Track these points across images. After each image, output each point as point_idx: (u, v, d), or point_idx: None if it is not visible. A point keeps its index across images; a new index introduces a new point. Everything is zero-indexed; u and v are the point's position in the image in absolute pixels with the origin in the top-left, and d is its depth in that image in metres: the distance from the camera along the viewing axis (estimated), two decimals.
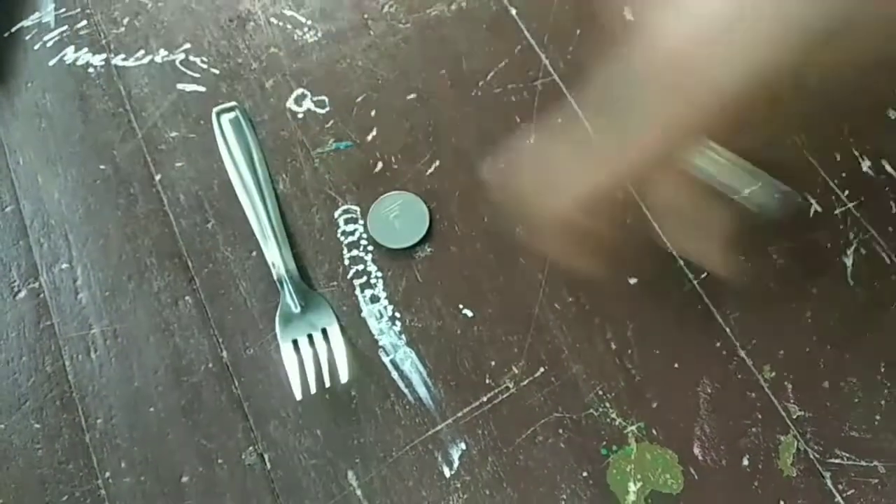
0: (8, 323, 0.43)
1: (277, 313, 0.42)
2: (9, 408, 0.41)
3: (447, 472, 0.39)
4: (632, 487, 0.38)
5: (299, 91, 0.48)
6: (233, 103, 0.47)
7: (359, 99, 0.48)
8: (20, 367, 0.42)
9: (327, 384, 0.39)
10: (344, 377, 0.39)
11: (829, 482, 0.38)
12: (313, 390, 0.39)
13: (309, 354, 0.40)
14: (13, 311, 0.43)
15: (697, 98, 0.28)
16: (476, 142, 0.46)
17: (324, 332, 0.41)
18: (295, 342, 0.41)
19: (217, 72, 0.49)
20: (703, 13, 0.28)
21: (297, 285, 0.42)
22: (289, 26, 0.51)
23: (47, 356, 0.42)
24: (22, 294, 0.43)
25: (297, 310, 0.42)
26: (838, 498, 0.37)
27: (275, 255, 0.43)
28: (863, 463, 0.38)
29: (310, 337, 0.41)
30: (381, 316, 0.42)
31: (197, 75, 0.49)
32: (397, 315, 0.42)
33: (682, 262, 0.43)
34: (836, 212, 0.44)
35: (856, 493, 0.37)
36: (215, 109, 0.47)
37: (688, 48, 0.28)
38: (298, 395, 0.39)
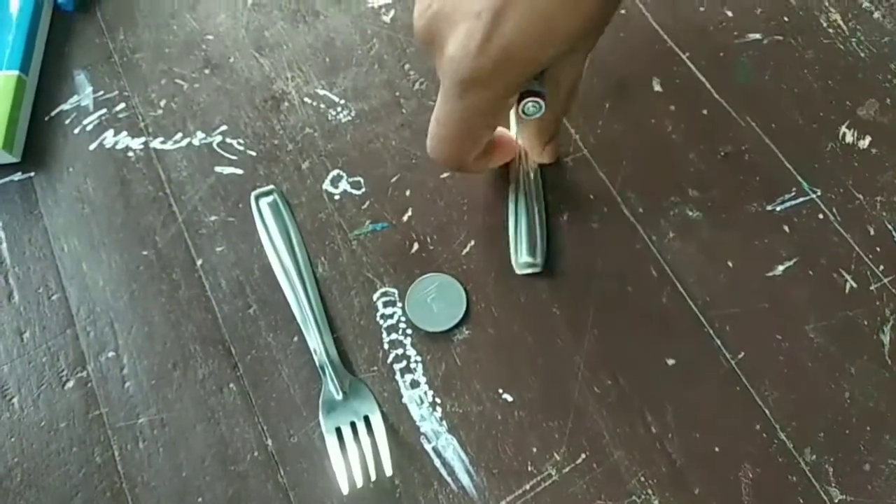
0: (58, 413, 0.44)
1: (320, 400, 0.42)
2: (61, 500, 0.42)
3: None
4: None
5: (335, 172, 0.49)
6: (271, 186, 0.48)
7: (393, 179, 0.49)
8: (71, 457, 0.43)
9: (373, 477, 0.40)
10: (388, 470, 0.40)
11: None
12: (359, 484, 0.40)
13: (353, 446, 0.41)
14: (62, 401, 0.44)
15: None
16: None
17: (366, 419, 0.42)
18: (338, 430, 0.42)
19: (254, 154, 0.50)
20: None
21: (339, 371, 0.43)
22: (322, 106, 0.51)
23: (97, 447, 0.43)
24: (70, 384, 0.44)
25: (339, 397, 0.42)
26: None
27: (316, 342, 0.43)
28: None
29: (352, 424, 0.42)
30: (422, 402, 0.43)
31: (234, 157, 0.50)
32: (437, 400, 0.43)
33: (718, 342, 0.43)
34: (872, 287, 0.44)
35: None
36: (254, 193, 0.48)
37: None
38: (345, 490, 0.40)
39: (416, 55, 0.53)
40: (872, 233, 0.45)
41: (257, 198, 0.48)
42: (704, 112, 0.50)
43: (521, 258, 0.45)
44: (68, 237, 0.48)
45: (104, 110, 0.52)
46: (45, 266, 0.48)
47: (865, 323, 0.43)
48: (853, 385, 0.42)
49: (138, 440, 0.43)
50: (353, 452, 0.41)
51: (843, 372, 0.42)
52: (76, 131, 0.52)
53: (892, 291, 0.44)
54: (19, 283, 0.47)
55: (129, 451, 0.43)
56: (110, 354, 0.45)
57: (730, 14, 0.54)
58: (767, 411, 0.41)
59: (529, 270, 0.45)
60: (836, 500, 0.39)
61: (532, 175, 0.47)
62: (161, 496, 0.42)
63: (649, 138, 0.49)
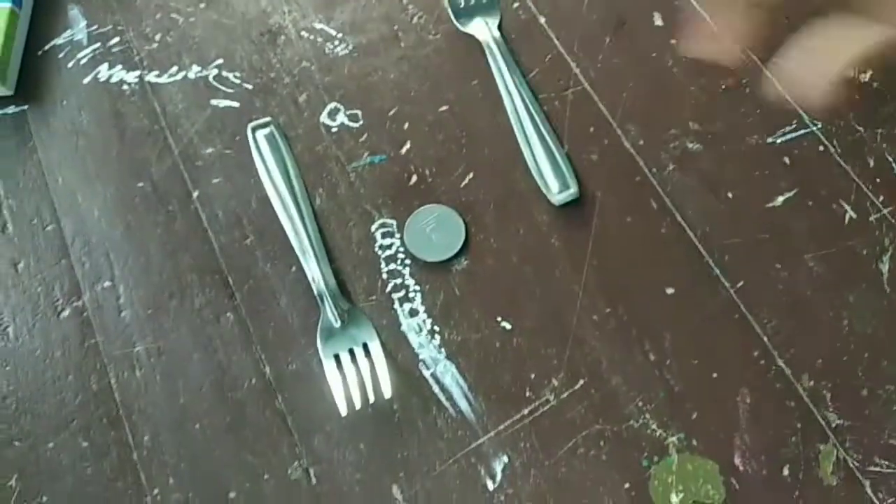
0: (53, 342, 0.43)
1: (318, 328, 0.42)
2: (57, 426, 0.42)
3: (490, 486, 0.39)
4: (674, 499, 0.38)
5: (332, 105, 0.49)
6: (267, 119, 0.48)
7: (391, 112, 0.48)
8: (66, 385, 0.42)
9: (371, 400, 0.40)
10: (387, 393, 0.40)
11: (868, 490, 0.38)
12: (358, 406, 0.40)
13: (351, 370, 0.41)
14: (57, 330, 0.44)
15: None
16: (509, 153, 0.47)
17: (364, 346, 0.42)
18: (337, 357, 0.41)
19: (250, 87, 0.49)
20: None
21: (337, 300, 0.43)
22: (319, 39, 0.51)
23: (93, 375, 0.43)
24: (66, 313, 0.44)
25: (337, 324, 0.42)
26: None
27: (314, 271, 0.43)
28: None
29: (351, 352, 0.42)
30: (421, 329, 0.43)
31: (230, 91, 0.49)
32: (436, 328, 0.43)
33: (717, 271, 0.43)
34: (871, 218, 0.44)
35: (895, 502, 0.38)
36: (250, 125, 0.47)
37: None
38: (343, 412, 0.39)
39: None
40: (872, 164, 0.45)
41: (254, 129, 0.47)
42: None
43: (556, 189, 0.44)
44: (62, 170, 0.48)
45: (98, 44, 0.52)
46: (39, 198, 0.47)
47: (864, 252, 0.43)
48: (851, 313, 0.42)
49: (135, 368, 0.43)
50: (351, 377, 0.41)
51: (842, 300, 0.42)
52: (70, 65, 0.51)
53: (892, 221, 0.43)
54: (13, 214, 0.47)
55: (125, 378, 0.42)
56: (106, 284, 0.45)
57: None
58: (766, 338, 0.41)
59: (568, 198, 0.44)
60: (834, 425, 0.39)
61: (530, 106, 0.47)
62: (158, 423, 0.41)
63: (650, 72, 0.49)
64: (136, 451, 0.41)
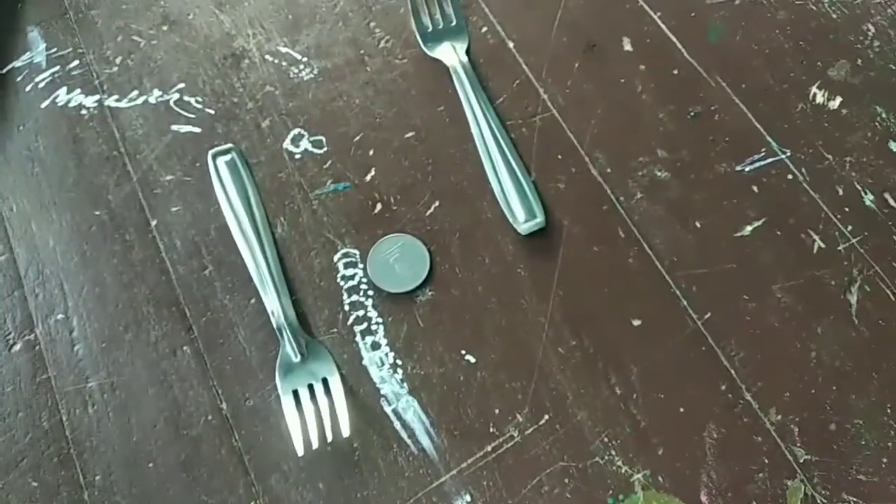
0: (3, 377, 0.42)
1: (277, 363, 0.41)
2: (6, 466, 0.40)
3: None
4: None
5: (296, 131, 0.48)
6: (229, 145, 0.47)
7: (356, 138, 0.47)
8: (17, 422, 0.41)
9: (329, 439, 0.39)
10: (346, 431, 0.39)
11: None
12: (315, 445, 0.39)
13: (310, 407, 0.40)
14: (8, 364, 0.42)
15: None
16: (475, 180, 0.46)
17: (324, 381, 0.41)
18: (296, 393, 0.40)
19: (212, 112, 0.48)
20: None
21: (297, 333, 0.42)
22: (284, 63, 0.50)
23: (44, 411, 0.41)
24: (17, 346, 0.43)
25: (297, 359, 0.41)
26: None
27: (274, 303, 0.42)
28: None
29: (310, 387, 0.40)
30: (383, 364, 0.42)
31: (192, 116, 0.48)
32: (399, 362, 0.42)
33: (685, 302, 0.42)
34: (840, 247, 0.43)
35: None
36: (211, 152, 0.46)
37: None
38: (301, 452, 0.38)
39: (381, 12, 0.52)
40: (841, 193, 0.45)
41: (214, 156, 0.46)
42: (675, 72, 0.49)
43: (523, 219, 0.44)
44: (17, 197, 0.47)
45: (57, 67, 0.51)
46: None
47: (833, 283, 0.42)
48: (819, 345, 0.41)
49: (87, 404, 0.41)
50: (310, 415, 0.39)
51: (810, 332, 0.41)
52: (28, 89, 0.50)
53: (860, 251, 0.43)
54: None
55: (77, 415, 0.41)
56: (59, 317, 0.43)
57: None
58: (733, 371, 0.41)
59: (535, 227, 0.44)
60: (802, 460, 0.39)
61: (497, 133, 0.46)
62: (111, 461, 0.40)
63: (619, 98, 0.48)
64: (87, 490, 0.40)
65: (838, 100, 0.47)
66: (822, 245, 0.43)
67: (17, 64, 0.51)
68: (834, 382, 0.40)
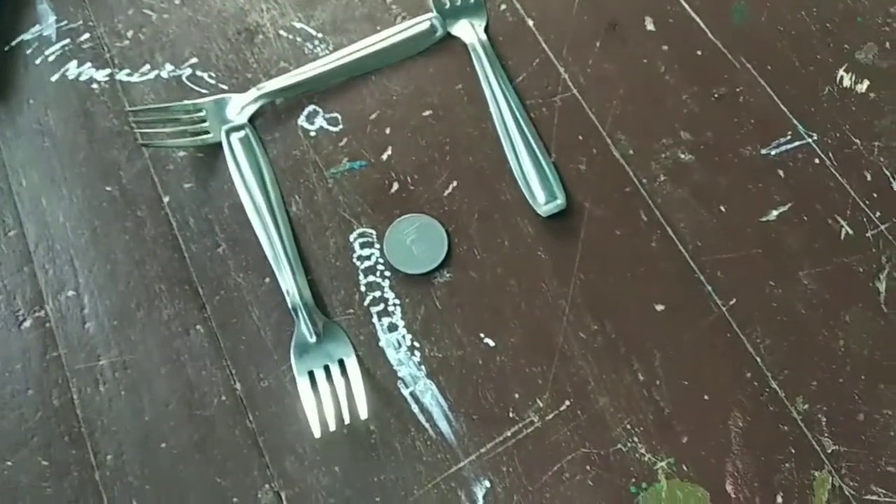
0: (13, 354, 0.41)
1: (292, 343, 0.40)
2: (15, 444, 0.39)
3: None
4: None
5: (311, 108, 0.47)
6: (243, 121, 0.46)
7: (372, 116, 0.46)
8: (26, 400, 0.40)
9: (346, 421, 0.38)
10: (363, 414, 0.38)
11: None
12: (332, 428, 0.38)
13: (326, 389, 0.39)
14: (18, 341, 0.41)
15: None
16: (494, 161, 0.45)
17: (340, 363, 0.40)
18: (311, 374, 0.39)
19: (225, 87, 0.47)
20: None
21: (313, 313, 0.41)
22: (299, 39, 0.49)
23: (54, 389, 0.40)
24: (27, 323, 0.42)
25: (312, 339, 0.40)
26: None
27: (289, 283, 0.41)
28: None
29: (326, 368, 0.40)
30: (400, 346, 0.41)
31: (205, 91, 0.47)
32: (416, 344, 0.41)
33: (709, 288, 0.41)
34: (868, 234, 0.42)
35: None
36: (224, 128, 0.45)
37: None
38: (317, 434, 0.38)
39: None
40: (869, 178, 0.44)
41: (228, 133, 0.45)
42: (699, 53, 0.48)
43: (543, 200, 0.43)
44: (27, 171, 0.46)
45: (68, 40, 0.49)
46: (1, 201, 0.45)
47: (861, 270, 0.41)
48: (847, 333, 0.40)
49: (98, 383, 0.40)
50: (326, 396, 0.39)
51: (838, 320, 0.40)
52: (38, 62, 0.49)
53: (889, 238, 0.42)
54: None
55: (88, 394, 0.40)
56: (70, 293, 0.42)
57: None
58: (759, 359, 0.40)
59: (555, 209, 0.43)
60: (829, 451, 0.38)
61: (517, 112, 0.45)
62: (122, 441, 0.39)
63: (641, 79, 0.47)
64: (99, 470, 0.39)
65: (866, 83, 0.46)
66: (850, 231, 0.42)
67: (26, 37, 0.50)
68: (862, 372, 0.39)
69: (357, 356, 0.40)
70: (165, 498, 0.38)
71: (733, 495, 0.37)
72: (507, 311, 0.41)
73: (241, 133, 0.45)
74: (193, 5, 0.50)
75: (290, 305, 0.41)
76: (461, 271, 0.42)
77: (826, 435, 0.38)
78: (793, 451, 0.38)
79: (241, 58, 0.48)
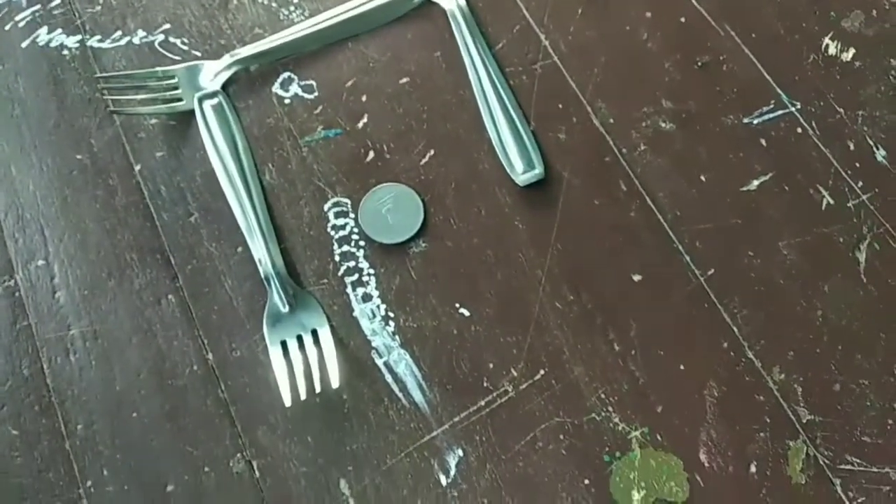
0: None
1: (265, 313, 0.40)
2: None
3: (444, 481, 0.37)
4: (636, 496, 0.37)
5: (286, 75, 0.46)
6: (216, 88, 0.45)
7: (349, 83, 0.46)
8: None
9: (318, 390, 0.38)
10: (335, 382, 0.37)
11: (839, 489, 0.36)
12: (303, 396, 0.37)
13: (298, 358, 0.38)
14: None
15: None
16: (472, 129, 0.44)
17: (314, 333, 0.39)
18: (284, 344, 0.39)
19: (199, 54, 0.46)
20: None
21: (285, 283, 0.40)
22: (274, 5, 0.48)
23: (24, 358, 0.40)
24: None
25: (285, 309, 0.40)
26: None
27: (261, 252, 0.41)
28: (874, 469, 0.37)
29: (299, 338, 0.39)
30: (374, 315, 0.40)
31: (177, 58, 0.46)
32: (391, 314, 0.40)
33: (687, 258, 0.41)
34: (849, 204, 0.42)
35: (866, 501, 0.36)
36: (197, 95, 0.45)
37: None
38: (288, 402, 0.37)
39: None
40: (852, 148, 0.43)
41: (200, 100, 0.44)
42: (682, 20, 0.47)
43: (521, 170, 0.42)
44: None
45: (38, 6, 0.48)
46: None
47: (841, 240, 0.41)
48: (826, 303, 0.40)
49: (69, 352, 0.40)
50: (298, 365, 0.38)
51: (816, 290, 0.40)
52: (7, 27, 0.48)
53: (870, 208, 0.42)
54: None
55: (58, 363, 0.40)
56: (40, 263, 0.42)
57: None
58: (735, 329, 0.39)
59: (533, 179, 0.42)
60: (805, 420, 0.38)
61: (496, 80, 0.44)
62: (93, 410, 0.39)
63: (623, 46, 0.46)
64: (69, 440, 0.39)
65: (851, 51, 0.46)
66: (831, 201, 0.42)
67: None
68: (839, 342, 0.39)
69: (330, 326, 0.40)
70: (136, 467, 0.38)
71: (707, 464, 0.37)
72: (483, 281, 0.41)
73: (214, 100, 0.44)
74: None
75: (262, 275, 0.40)
76: (437, 241, 0.42)
77: (802, 405, 0.38)
78: (768, 420, 0.38)
79: (214, 24, 0.47)
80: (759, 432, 0.37)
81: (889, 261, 0.40)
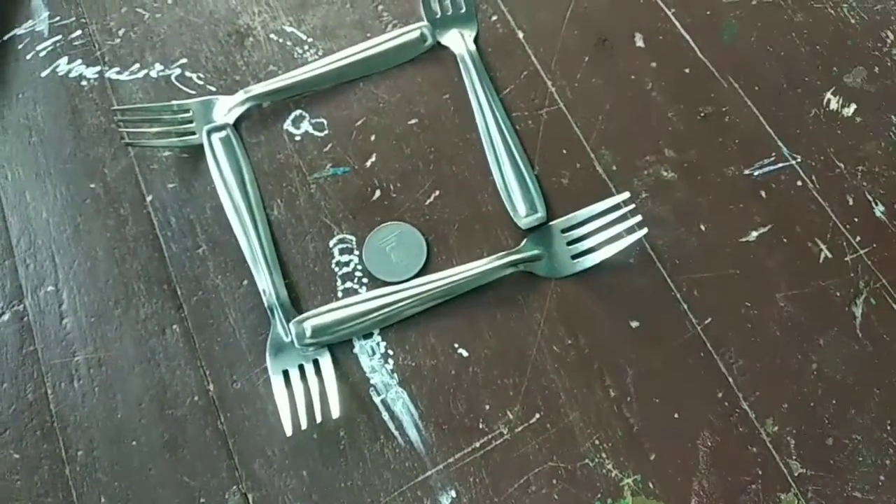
0: None
1: (268, 342, 0.40)
2: None
3: None
4: None
5: (297, 112, 0.47)
6: (224, 121, 0.46)
7: (358, 122, 0.47)
8: (1, 393, 0.40)
9: (318, 419, 0.38)
10: (335, 412, 0.38)
11: None
12: (304, 425, 0.38)
13: (300, 387, 0.39)
14: None
15: None
16: (477, 171, 0.45)
17: (315, 363, 0.40)
18: (286, 374, 0.40)
19: (214, 89, 0.48)
20: None
21: (289, 314, 0.41)
22: (289, 43, 0.49)
23: (29, 383, 0.41)
24: (5, 317, 0.42)
25: (288, 339, 0.40)
26: None
27: (266, 283, 0.41)
28: None
29: (300, 368, 0.40)
30: (374, 353, 0.41)
31: (192, 92, 0.48)
32: (390, 352, 0.41)
33: (685, 306, 0.41)
34: (847, 258, 0.42)
35: None
36: (206, 127, 0.46)
37: None
38: (289, 431, 0.38)
39: None
40: (851, 203, 0.44)
41: (210, 132, 0.45)
42: (686, 71, 0.48)
43: (524, 213, 0.43)
44: (13, 165, 0.46)
45: (59, 36, 0.50)
46: None
47: (838, 294, 0.41)
48: (821, 357, 0.40)
49: (73, 378, 0.41)
50: (299, 395, 0.39)
51: (812, 343, 0.40)
52: (28, 57, 0.49)
53: (868, 263, 0.42)
54: None
55: (62, 389, 0.41)
56: (49, 289, 0.43)
57: None
58: (731, 379, 0.40)
59: (536, 223, 0.43)
60: (797, 474, 0.38)
61: (503, 124, 0.45)
62: (94, 437, 0.40)
63: (628, 94, 0.47)
64: (69, 465, 0.39)
65: (853, 107, 0.46)
66: (829, 255, 0.42)
67: (18, 31, 0.50)
68: (834, 396, 0.39)
69: (332, 357, 0.40)
70: (134, 495, 0.38)
71: None
72: (482, 322, 0.41)
73: (223, 133, 0.45)
74: (186, 6, 0.50)
75: (266, 305, 0.41)
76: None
77: (794, 458, 0.38)
78: (760, 472, 0.38)
79: (230, 60, 0.49)
80: (751, 484, 0.38)
81: (885, 316, 0.41)
